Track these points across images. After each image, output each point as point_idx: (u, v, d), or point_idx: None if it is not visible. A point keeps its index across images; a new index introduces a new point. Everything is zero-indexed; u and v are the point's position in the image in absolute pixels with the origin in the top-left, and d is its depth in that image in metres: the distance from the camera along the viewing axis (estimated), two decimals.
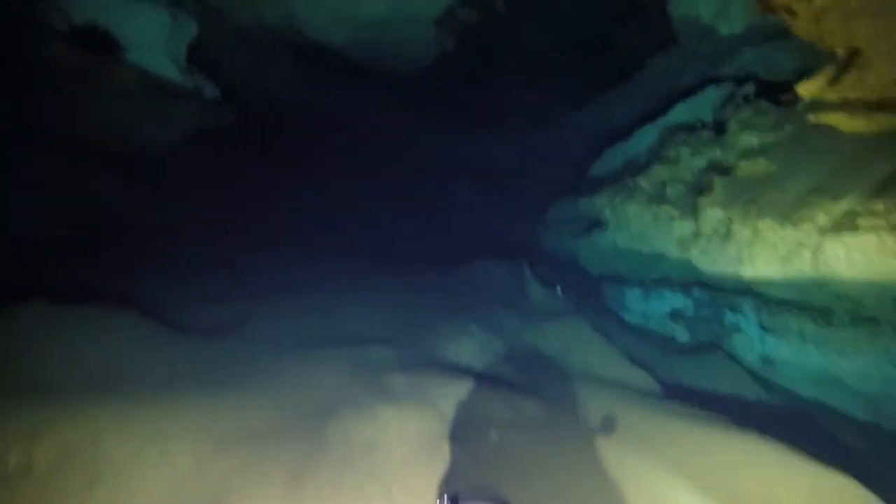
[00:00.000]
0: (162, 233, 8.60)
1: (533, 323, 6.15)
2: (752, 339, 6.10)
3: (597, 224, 7.99)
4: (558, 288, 7.74)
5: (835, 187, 4.86)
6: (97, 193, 7.55)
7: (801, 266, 4.94)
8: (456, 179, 16.41)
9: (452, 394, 3.76)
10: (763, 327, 5.47)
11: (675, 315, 7.44)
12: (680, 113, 7.20)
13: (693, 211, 6.34)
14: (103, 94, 8.44)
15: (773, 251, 5.21)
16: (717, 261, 5.98)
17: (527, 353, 5.30)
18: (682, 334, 7.25)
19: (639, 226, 7.22)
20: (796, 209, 5.01)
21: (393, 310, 5.91)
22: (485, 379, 4.29)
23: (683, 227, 6.44)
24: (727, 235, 5.79)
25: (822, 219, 4.76)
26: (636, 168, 7.52)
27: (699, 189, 6.26)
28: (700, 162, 6.44)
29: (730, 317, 6.48)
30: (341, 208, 12.73)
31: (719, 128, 6.58)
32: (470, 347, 4.92)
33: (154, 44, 8.26)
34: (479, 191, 15.93)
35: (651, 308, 7.89)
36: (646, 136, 7.66)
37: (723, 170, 6.18)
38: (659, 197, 6.75)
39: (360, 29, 10.61)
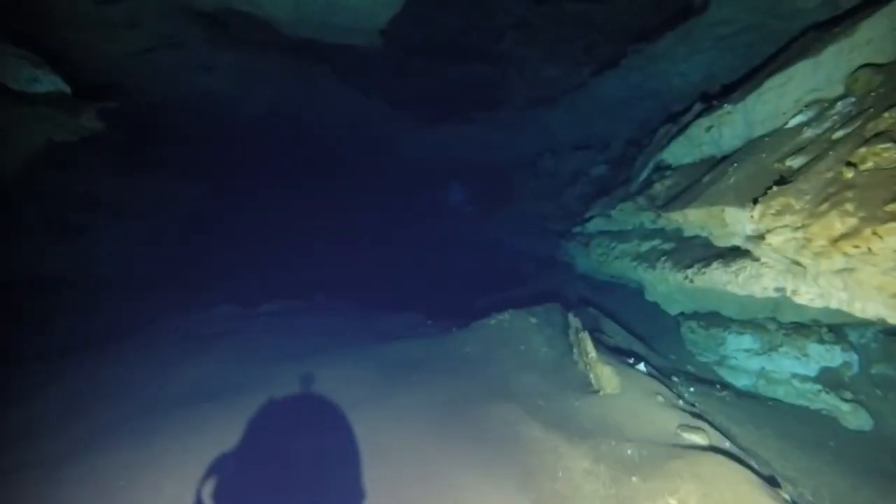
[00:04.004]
0: None
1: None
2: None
3: (719, 256, 4.34)
4: (642, 364, 4.28)
5: None
6: None
7: None
8: (443, 181, 12.87)
9: None
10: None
11: None
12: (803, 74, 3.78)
13: None
14: None
15: None
16: None
17: None
18: None
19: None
20: None
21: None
22: None
23: None
24: None
25: None
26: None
27: None
28: None
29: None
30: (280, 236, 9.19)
31: None
32: None
33: None
34: (475, 192, 12.39)
35: (775, 367, 4.47)
36: (766, 104, 4.23)
37: None
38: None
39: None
